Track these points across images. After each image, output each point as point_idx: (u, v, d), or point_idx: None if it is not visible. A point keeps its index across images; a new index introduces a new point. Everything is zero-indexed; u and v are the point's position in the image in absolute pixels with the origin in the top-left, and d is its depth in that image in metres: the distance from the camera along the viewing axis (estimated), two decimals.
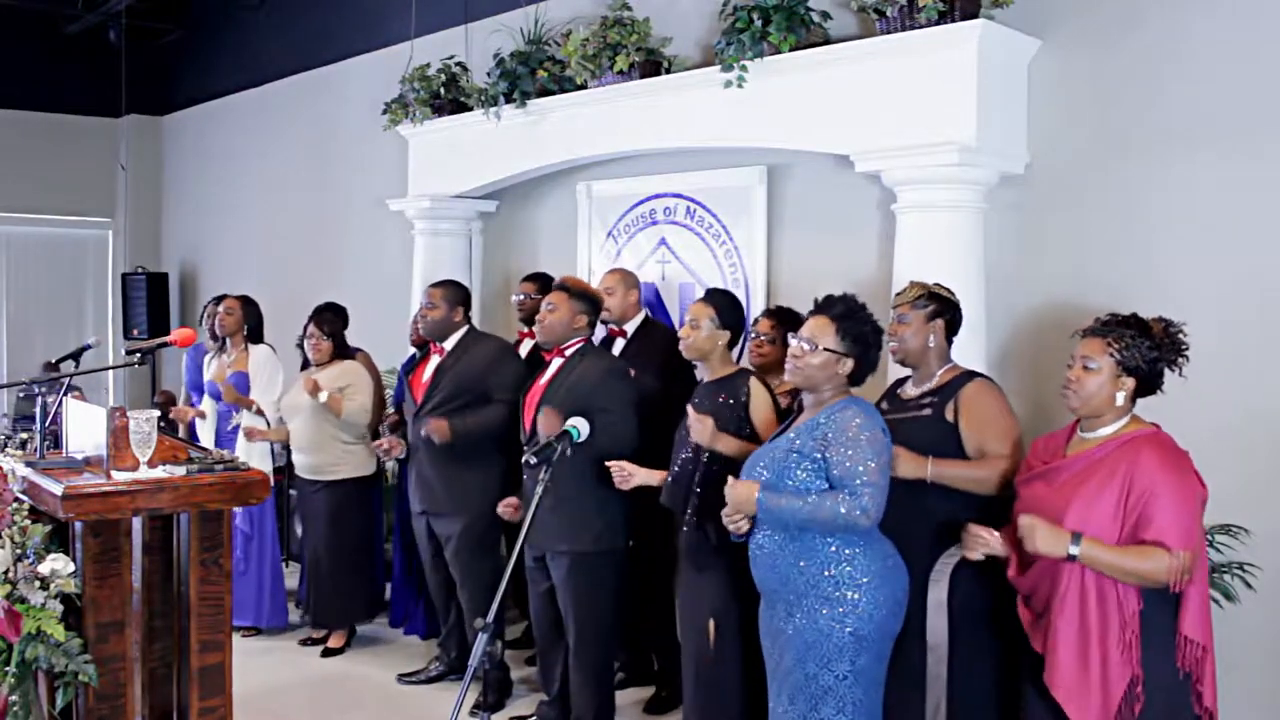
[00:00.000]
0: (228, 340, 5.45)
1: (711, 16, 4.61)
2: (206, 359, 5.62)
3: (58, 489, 2.86)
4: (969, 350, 3.54)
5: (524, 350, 4.91)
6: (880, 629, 2.92)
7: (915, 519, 3.10)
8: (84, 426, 3.29)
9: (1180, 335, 2.78)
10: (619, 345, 4.54)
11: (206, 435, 5.40)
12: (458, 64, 5.81)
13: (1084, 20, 3.79)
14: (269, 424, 5.39)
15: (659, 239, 5.19)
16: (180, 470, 3.06)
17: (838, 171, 4.32)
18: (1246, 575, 3.32)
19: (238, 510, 4.95)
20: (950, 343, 3.34)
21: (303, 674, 4.92)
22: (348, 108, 7.30)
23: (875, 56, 3.98)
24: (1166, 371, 2.77)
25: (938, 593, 3.13)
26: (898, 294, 3.39)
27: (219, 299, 5.73)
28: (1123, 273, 3.67)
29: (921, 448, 3.13)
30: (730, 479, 3.06)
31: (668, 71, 4.83)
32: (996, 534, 2.86)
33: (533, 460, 3.07)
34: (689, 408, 3.37)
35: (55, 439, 3.46)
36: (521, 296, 5.04)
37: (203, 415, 5.46)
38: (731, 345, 3.65)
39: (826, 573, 2.90)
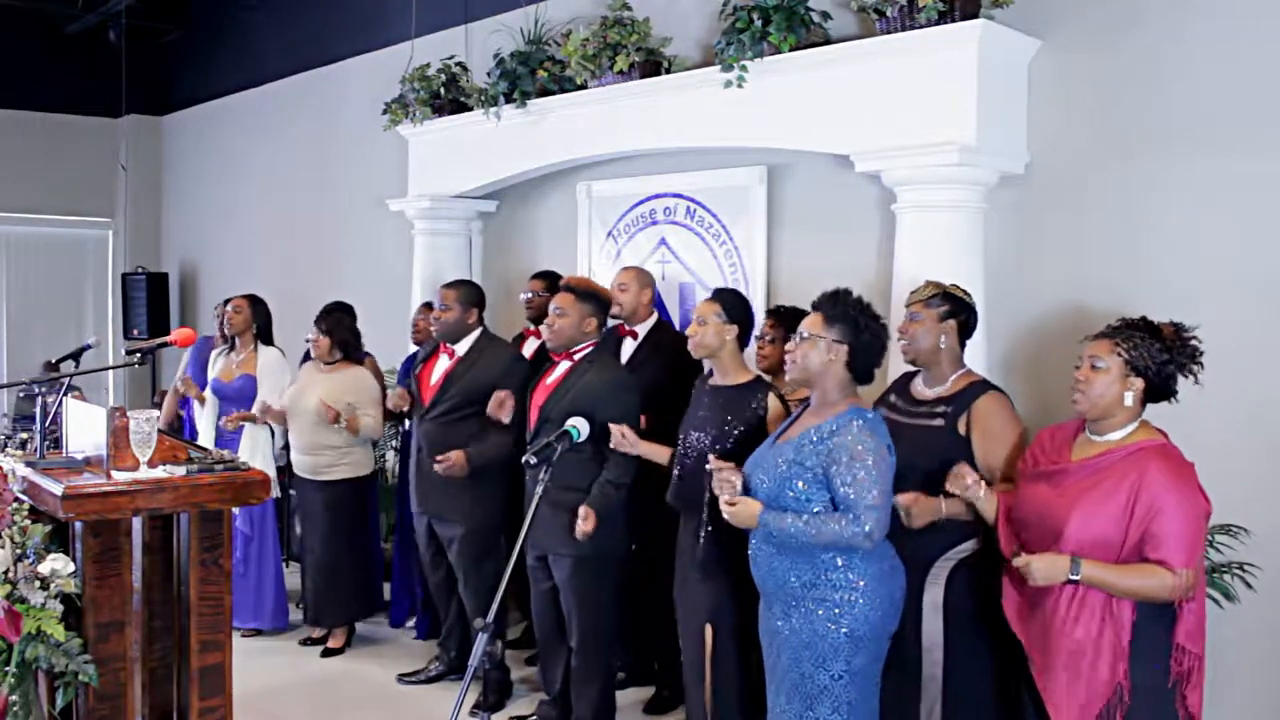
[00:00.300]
0: (236, 340, 5.44)
1: (711, 16, 4.61)
2: (213, 356, 5.61)
3: (58, 489, 2.86)
4: (969, 350, 3.53)
5: (530, 347, 4.90)
6: (875, 630, 2.92)
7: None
8: (84, 426, 3.29)
9: (1194, 340, 2.74)
10: (629, 346, 4.51)
11: (206, 433, 5.40)
12: (458, 64, 5.81)
13: (1084, 20, 3.79)
14: (273, 433, 5.39)
15: (659, 239, 5.19)
16: (180, 470, 3.06)
17: (838, 171, 4.32)
18: (1246, 575, 3.32)
19: (238, 511, 4.95)
20: (963, 345, 3.29)
21: (303, 674, 4.92)
22: (348, 108, 7.30)
23: (875, 56, 3.98)
24: (1180, 378, 2.74)
25: (933, 594, 3.13)
26: (912, 292, 3.34)
27: (229, 301, 5.71)
28: (1123, 272, 3.67)
29: (930, 458, 3.10)
30: (727, 493, 3.05)
31: (668, 71, 4.83)
32: (975, 479, 2.90)
33: (533, 460, 3.07)
34: (711, 458, 3.32)
35: (55, 439, 3.45)
36: (530, 294, 5.02)
37: (202, 399, 5.43)
38: (741, 343, 3.62)
39: (823, 575, 2.90)
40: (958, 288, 3.32)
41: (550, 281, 4.90)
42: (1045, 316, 3.87)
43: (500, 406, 4.26)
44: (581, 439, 3.15)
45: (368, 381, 5.11)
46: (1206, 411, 3.26)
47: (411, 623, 5.39)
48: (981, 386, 3.20)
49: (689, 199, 5.05)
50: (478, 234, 6.15)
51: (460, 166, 5.81)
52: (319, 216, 7.63)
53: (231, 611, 3.20)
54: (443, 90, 5.76)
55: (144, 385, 8.94)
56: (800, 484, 2.91)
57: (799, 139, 4.28)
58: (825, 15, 4.26)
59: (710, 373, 3.64)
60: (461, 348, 4.51)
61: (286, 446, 5.75)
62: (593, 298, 4.00)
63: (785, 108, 4.27)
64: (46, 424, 3.31)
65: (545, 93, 5.24)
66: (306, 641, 5.24)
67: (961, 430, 3.13)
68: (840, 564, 2.89)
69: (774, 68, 4.25)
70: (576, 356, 3.96)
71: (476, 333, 4.54)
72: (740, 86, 4.33)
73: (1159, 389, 2.73)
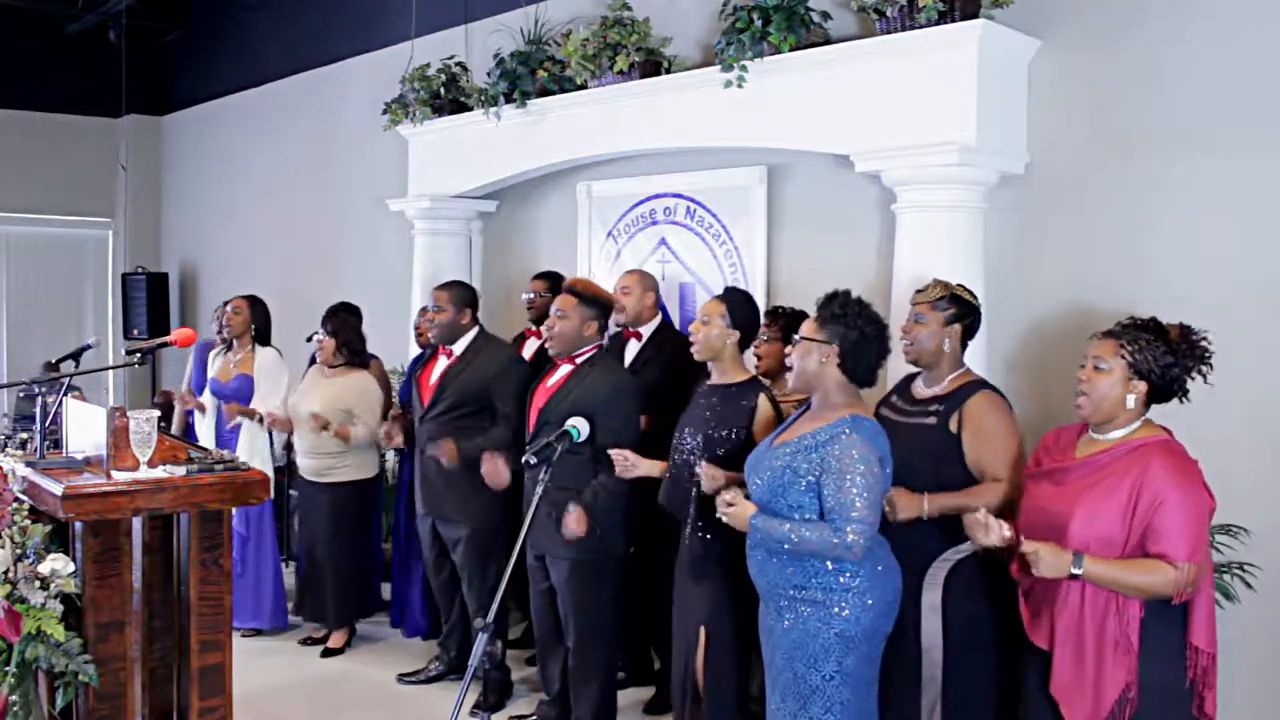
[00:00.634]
0: (235, 341, 5.44)
1: (711, 16, 4.61)
2: (211, 355, 5.61)
3: (58, 489, 2.86)
4: (970, 350, 3.53)
5: (531, 348, 4.90)
6: (867, 631, 2.92)
7: (912, 521, 3.09)
8: (84, 426, 3.29)
9: (1203, 343, 2.72)
10: (634, 347, 4.50)
11: (206, 433, 5.39)
12: (458, 64, 5.81)
13: (1084, 20, 3.79)
14: (271, 434, 5.39)
15: (659, 239, 5.19)
16: (180, 470, 3.06)
17: (838, 171, 4.32)
18: (1246, 575, 3.32)
19: (234, 512, 4.94)
20: (965, 347, 3.28)
21: (303, 674, 4.92)
22: (348, 108, 7.30)
23: (875, 56, 3.98)
24: (1190, 380, 2.72)
25: (932, 595, 3.12)
26: (918, 291, 3.32)
27: (229, 302, 5.71)
28: (1123, 272, 3.67)
29: (923, 458, 3.11)
30: (728, 494, 3.05)
31: (668, 71, 4.83)
32: (1000, 524, 2.76)
33: (533, 460, 3.07)
34: (703, 464, 3.33)
35: (55, 439, 3.45)
36: (532, 295, 5.01)
37: (202, 408, 5.44)
38: (743, 347, 3.62)
39: (816, 576, 2.91)
40: (964, 289, 3.30)
41: (552, 282, 4.89)
42: (1045, 316, 3.87)
43: (495, 474, 4.14)
44: (581, 439, 3.15)
45: (369, 387, 5.10)
46: (1207, 411, 3.25)
47: (412, 623, 5.38)
48: (976, 386, 3.20)
49: (689, 199, 5.05)
50: (478, 234, 6.15)
51: (460, 166, 5.81)
52: (319, 216, 7.63)
53: (231, 611, 3.20)
54: (443, 90, 5.75)
55: (144, 385, 8.94)
56: (794, 490, 2.91)
57: (799, 139, 4.28)
58: (825, 15, 4.26)
59: (710, 374, 3.65)
60: (458, 348, 4.52)
61: (287, 446, 5.75)
62: (595, 301, 3.99)
63: (785, 108, 4.27)
64: (46, 424, 3.31)
65: (545, 93, 5.24)
66: (306, 641, 5.24)
67: (953, 428, 3.13)
68: (831, 566, 2.90)
69: (774, 68, 4.25)
70: (578, 360, 3.95)
71: (472, 332, 4.55)
72: (740, 86, 4.33)
73: (1162, 391, 2.72)
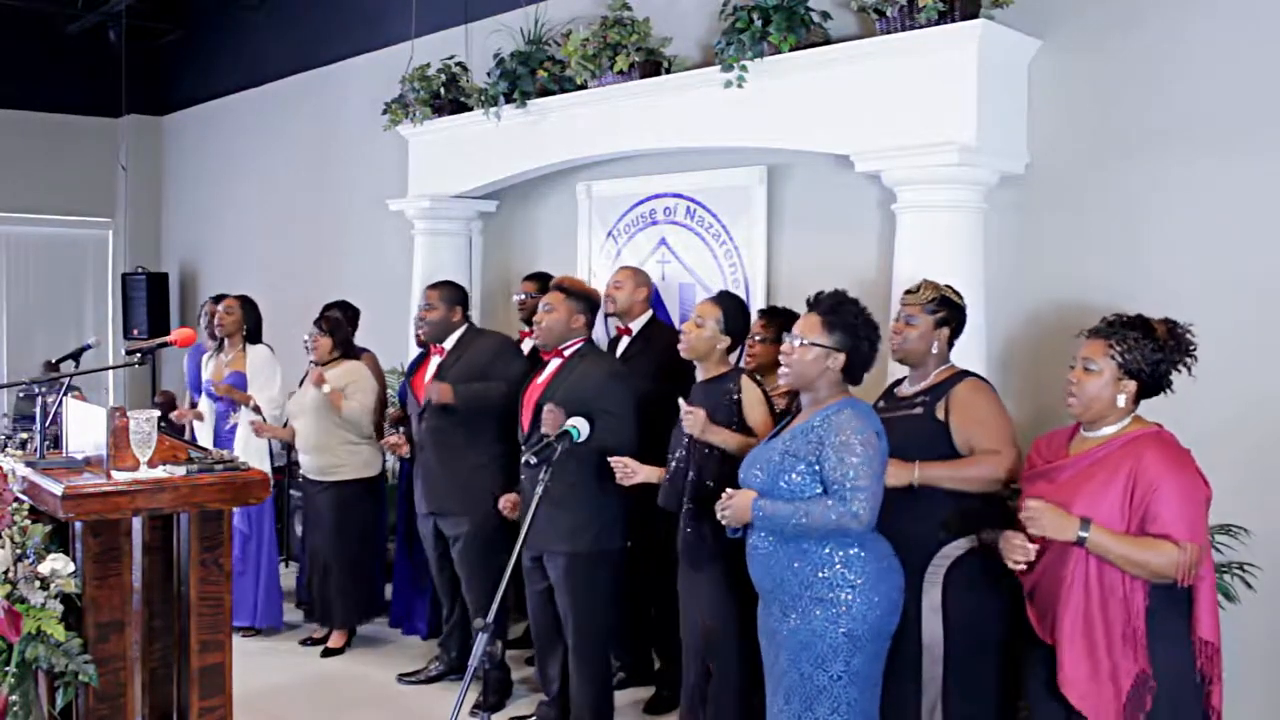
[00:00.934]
0: (226, 340, 5.45)
1: (711, 16, 4.61)
2: (204, 358, 5.62)
3: (58, 489, 2.86)
4: (969, 351, 3.54)
5: (526, 348, 4.91)
6: (874, 629, 2.92)
7: (912, 518, 3.09)
8: (84, 426, 3.29)
9: (1187, 336, 2.75)
10: (624, 343, 4.53)
11: (205, 435, 5.40)
12: (458, 64, 5.81)
13: (1084, 20, 3.79)
14: (266, 421, 5.39)
15: (659, 239, 5.19)
16: (180, 470, 3.06)
17: (838, 171, 4.32)
18: (1246, 575, 3.32)
19: (236, 511, 4.95)
20: (951, 346, 3.33)
21: (303, 674, 4.91)
22: (348, 108, 7.30)
23: (875, 56, 3.98)
24: (1175, 372, 2.74)
25: (932, 593, 3.13)
26: (908, 291, 3.35)
27: (217, 298, 5.73)
28: (1122, 273, 3.67)
29: (912, 446, 3.12)
30: (728, 489, 3.06)
31: (668, 71, 4.83)
32: (1033, 548, 2.71)
33: (532, 460, 3.07)
34: (681, 401, 3.37)
35: (55, 439, 3.45)
36: (522, 296, 5.06)
37: (200, 418, 5.45)
38: (730, 351, 3.66)
39: (821, 574, 2.90)
40: (953, 290, 3.33)
41: (542, 283, 4.92)
42: (1045, 316, 3.87)
43: (439, 390, 4.30)
44: (582, 439, 3.15)
45: (362, 370, 5.16)
46: (1206, 411, 3.27)
47: (412, 623, 5.38)
48: (960, 375, 3.25)
49: (689, 199, 5.05)
50: (478, 234, 6.15)
51: (460, 166, 5.81)
52: (319, 216, 7.62)
53: (231, 611, 3.20)
54: (443, 90, 5.75)
55: (144, 385, 8.94)
56: (793, 474, 2.91)
57: (799, 139, 4.28)
58: (825, 15, 4.26)
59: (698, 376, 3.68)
60: (449, 343, 4.57)
61: (287, 446, 5.76)
62: (581, 296, 4.06)
63: (785, 108, 4.27)
64: (46, 424, 3.31)
65: (545, 93, 5.24)
66: (306, 641, 5.24)
67: (939, 415, 3.17)
68: (838, 562, 2.89)
69: (774, 68, 4.25)
70: (566, 353, 4.00)
71: (462, 329, 4.60)
72: (740, 86, 4.33)
73: (1152, 388, 2.74)
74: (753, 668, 3.26)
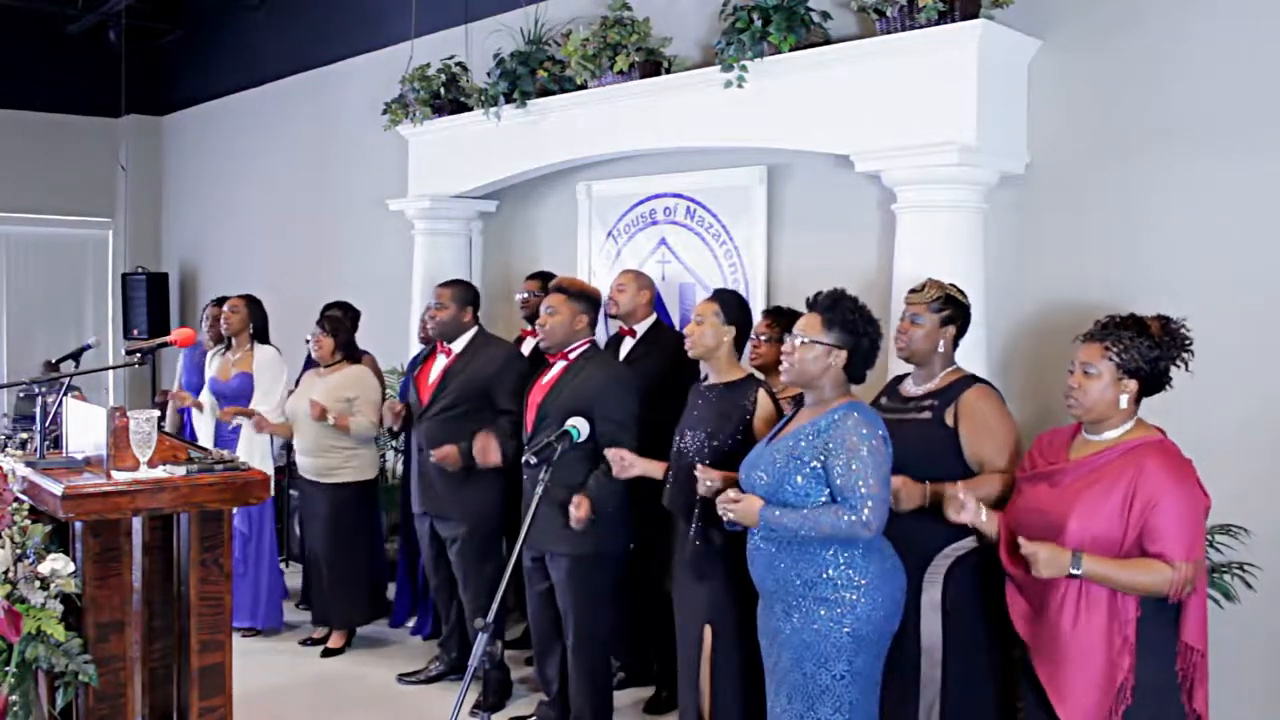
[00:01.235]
0: (233, 340, 5.44)
1: (711, 16, 4.61)
2: (209, 356, 5.61)
3: (58, 489, 2.86)
4: (969, 350, 3.53)
5: (528, 347, 4.91)
6: (878, 630, 2.92)
7: (911, 518, 3.08)
8: (84, 426, 3.29)
9: (1182, 330, 2.75)
10: (627, 345, 4.52)
11: (206, 433, 5.40)
12: (458, 64, 5.81)
13: (1084, 20, 3.79)
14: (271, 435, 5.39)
15: (659, 239, 5.19)
16: (180, 470, 3.06)
17: (838, 171, 4.32)
18: (1246, 575, 3.32)
19: (236, 511, 4.95)
20: (957, 345, 3.31)
21: (303, 674, 4.91)
22: (348, 108, 7.30)
23: (875, 56, 3.98)
24: (1173, 368, 2.75)
25: (931, 594, 3.13)
26: (913, 290, 3.33)
27: (219, 300, 5.73)
28: (1123, 272, 3.67)
29: (919, 451, 3.11)
30: (732, 492, 3.05)
31: (668, 71, 4.83)
32: (978, 507, 2.83)
33: (533, 460, 3.07)
34: (698, 468, 3.32)
35: (55, 439, 3.45)
36: (525, 295, 5.04)
37: (199, 406, 5.44)
38: (738, 345, 3.63)
39: (824, 574, 2.90)
40: (957, 289, 3.32)
41: (545, 282, 4.90)
42: (1045, 316, 3.87)
43: (484, 452, 4.18)
44: (582, 439, 3.14)
45: (367, 378, 5.12)
46: (1206, 411, 3.27)
47: (412, 623, 5.38)
48: (969, 380, 3.23)
49: (689, 199, 5.05)
50: (478, 234, 6.15)
51: (460, 166, 5.81)
52: (319, 216, 7.62)
53: (231, 611, 3.20)
54: (443, 90, 5.76)
55: (144, 385, 8.94)
56: (799, 478, 2.91)
57: (799, 139, 4.28)
58: (825, 15, 4.26)
59: (706, 376, 3.65)
60: (458, 346, 4.53)
61: (286, 446, 5.75)
62: (583, 296, 4.03)
63: (785, 108, 4.27)
64: (46, 424, 3.31)
65: (545, 93, 5.24)
66: (306, 641, 5.24)
67: (949, 422, 3.15)
68: (842, 563, 2.89)
69: (774, 68, 4.25)
70: (571, 355, 3.97)
71: (472, 331, 4.56)
72: (740, 86, 4.33)
73: (1152, 385, 2.74)
74: (753, 668, 3.26)
